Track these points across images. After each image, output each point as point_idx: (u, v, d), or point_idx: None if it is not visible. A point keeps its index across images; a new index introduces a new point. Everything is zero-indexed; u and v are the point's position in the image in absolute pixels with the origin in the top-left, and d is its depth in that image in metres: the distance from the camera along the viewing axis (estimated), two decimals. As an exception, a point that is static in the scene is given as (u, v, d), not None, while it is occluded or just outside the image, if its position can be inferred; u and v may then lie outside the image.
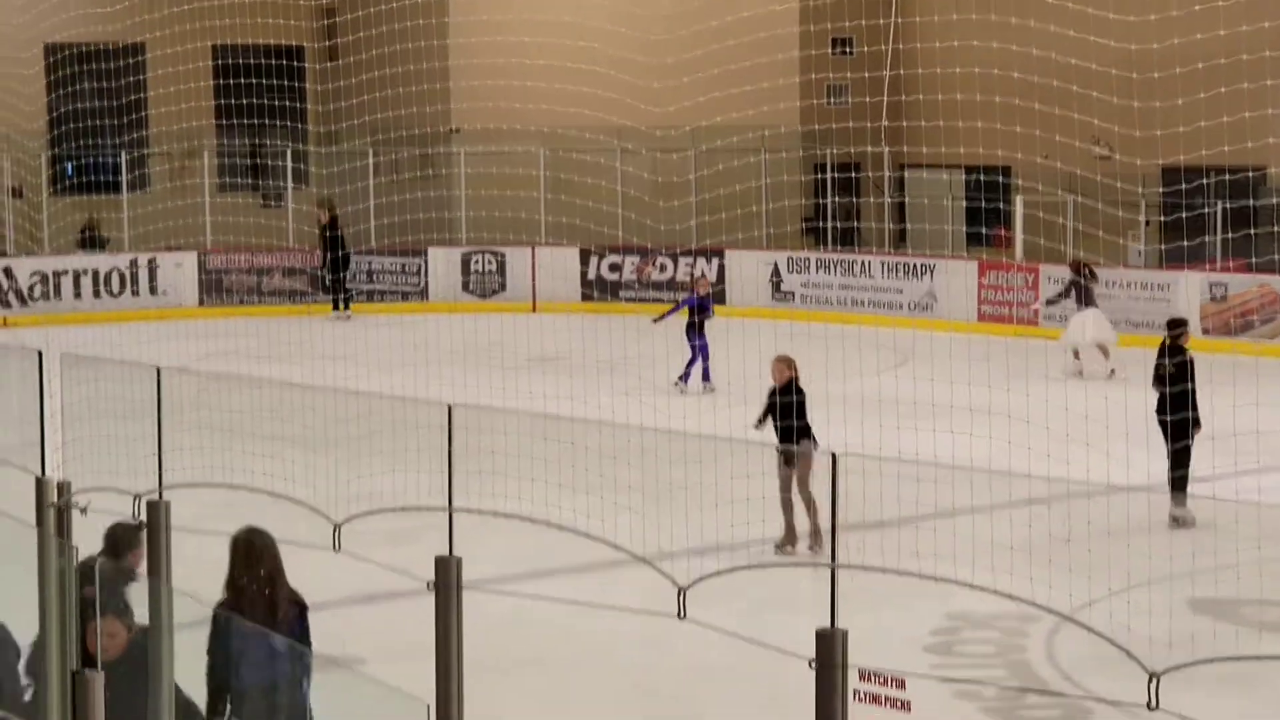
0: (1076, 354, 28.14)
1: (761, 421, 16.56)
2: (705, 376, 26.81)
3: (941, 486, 11.94)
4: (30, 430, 10.91)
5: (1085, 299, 28.38)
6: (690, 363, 26.92)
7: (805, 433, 16.31)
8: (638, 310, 34.15)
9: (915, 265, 35.15)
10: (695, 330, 26.97)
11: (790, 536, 15.80)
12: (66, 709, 7.35)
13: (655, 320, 27.95)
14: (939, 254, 34.82)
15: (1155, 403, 18.12)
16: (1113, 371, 27.30)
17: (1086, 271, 28.63)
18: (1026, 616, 14.59)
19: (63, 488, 10.17)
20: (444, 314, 35.89)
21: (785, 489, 15.79)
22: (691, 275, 35.58)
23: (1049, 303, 30.84)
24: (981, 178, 33.80)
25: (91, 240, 37.59)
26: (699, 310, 27.13)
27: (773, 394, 16.66)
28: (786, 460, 15.77)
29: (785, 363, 16.77)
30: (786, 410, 16.30)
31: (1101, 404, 20.47)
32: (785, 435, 16.25)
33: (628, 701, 13.53)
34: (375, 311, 36.70)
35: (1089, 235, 32.29)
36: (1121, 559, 11.89)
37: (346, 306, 36.52)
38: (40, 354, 10.79)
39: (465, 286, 38.63)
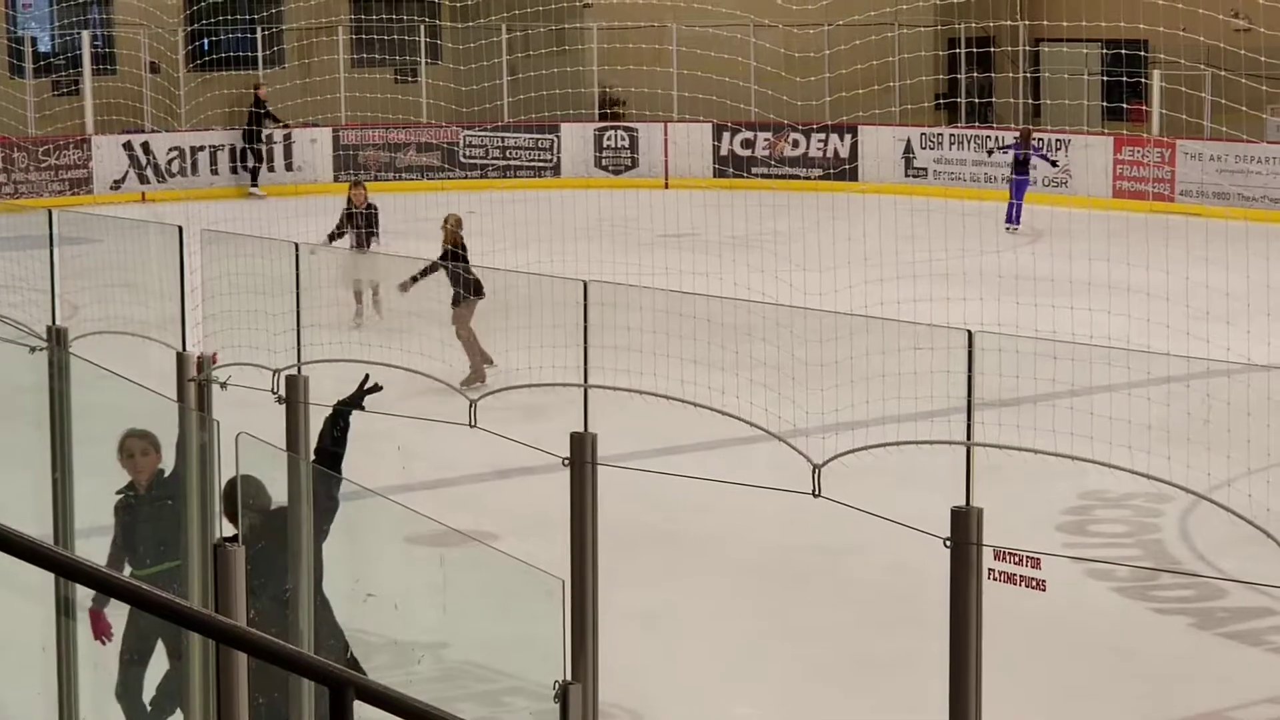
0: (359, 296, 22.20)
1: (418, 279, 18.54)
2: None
3: (1078, 365, 11.85)
4: (170, 306, 11.01)
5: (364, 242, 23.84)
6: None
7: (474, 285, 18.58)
8: (770, 186, 33.98)
9: (1050, 141, 34.71)
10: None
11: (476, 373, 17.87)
12: (208, 581, 7.47)
13: None
14: (1075, 129, 34.35)
15: None
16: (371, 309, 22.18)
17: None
18: (1161, 496, 14.49)
19: (202, 363, 10.30)
20: (576, 190, 35.89)
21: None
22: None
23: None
24: (1122, 51, 33.22)
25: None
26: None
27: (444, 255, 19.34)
28: (454, 301, 18.77)
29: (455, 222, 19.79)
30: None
31: (1242, 281, 20.20)
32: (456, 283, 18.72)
33: (760, 578, 13.58)
34: (508, 187, 36.73)
35: (1229, 110, 31.71)
36: (1261, 438, 11.74)
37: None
38: (180, 229, 10.87)
39: (598, 163, 38.59)
